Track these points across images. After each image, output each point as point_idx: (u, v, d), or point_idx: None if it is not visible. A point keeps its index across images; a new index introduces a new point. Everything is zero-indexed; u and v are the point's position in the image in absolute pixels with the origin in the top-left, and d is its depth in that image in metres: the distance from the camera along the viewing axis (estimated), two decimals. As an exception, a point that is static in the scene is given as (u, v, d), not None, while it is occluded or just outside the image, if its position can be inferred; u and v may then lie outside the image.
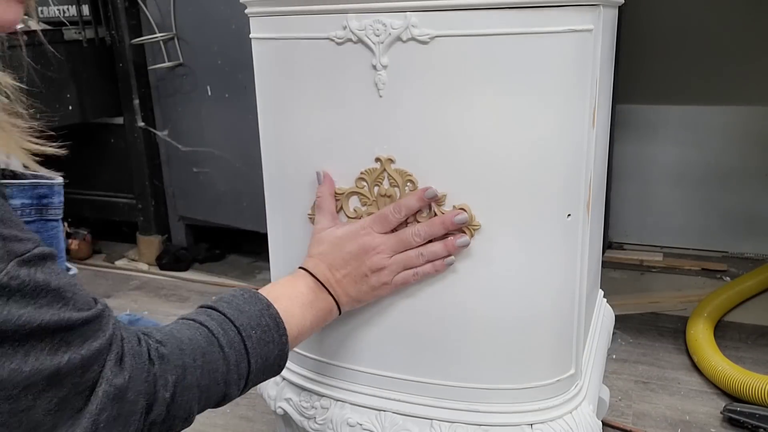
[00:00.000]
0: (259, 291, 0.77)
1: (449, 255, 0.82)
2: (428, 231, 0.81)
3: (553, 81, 0.77)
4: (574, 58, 0.77)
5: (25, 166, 0.63)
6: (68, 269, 0.66)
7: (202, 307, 0.73)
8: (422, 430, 0.88)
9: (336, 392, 0.93)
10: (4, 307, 0.47)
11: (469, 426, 0.86)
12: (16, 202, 0.60)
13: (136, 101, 2.40)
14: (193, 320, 0.69)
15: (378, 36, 0.77)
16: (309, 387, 0.95)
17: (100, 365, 0.55)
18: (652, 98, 2.36)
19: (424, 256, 0.82)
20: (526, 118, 0.77)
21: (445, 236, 0.82)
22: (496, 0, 0.72)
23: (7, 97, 0.62)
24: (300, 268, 0.84)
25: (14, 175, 0.63)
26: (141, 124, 2.43)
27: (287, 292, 0.79)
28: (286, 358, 0.76)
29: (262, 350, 0.71)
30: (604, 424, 1.40)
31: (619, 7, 1.03)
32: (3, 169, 0.63)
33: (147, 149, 2.48)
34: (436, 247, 0.81)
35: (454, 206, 0.81)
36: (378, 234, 0.82)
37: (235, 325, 0.70)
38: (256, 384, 0.74)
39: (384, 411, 0.90)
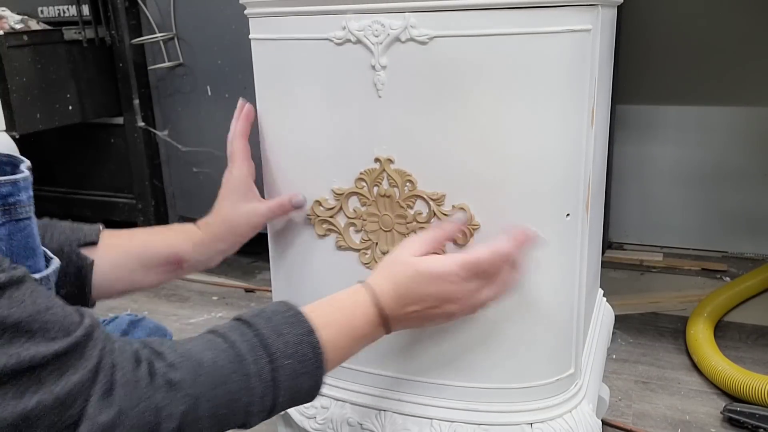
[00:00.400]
0: (310, 309, 0.68)
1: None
2: (508, 262, 0.76)
3: (551, 81, 0.77)
4: (573, 58, 0.78)
5: None
6: (48, 262, 0.61)
7: (238, 319, 0.66)
8: (422, 429, 0.88)
9: (336, 392, 0.93)
10: None
11: (469, 425, 0.87)
12: None
13: (136, 101, 2.40)
14: (223, 337, 0.62)
15: (377, 36, 0.77)
16: (308, 387, 0.95)
17: (83, 400, 0.49)
18: (652, 98, 2.36)
19: (500, 292, 0.77)
20: (525, 118, 0.77)
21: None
22: (494, 0, 0.73)
23: None
24: (366, 287, 0.74)
25: None
26: (141, 124, 2.43)
27: (340, 321, 0.70)
28: (319, 390, 0.68)
29: (293, 383, 0.64)
30: (604, 423, 1.40)
31: (619, 7, 1.03)
32: None
33: (147, 149, 2.48)
34: (513, 276, 0.77)
35: (453, 206, 0.81)
36: (463, 281, 0.74)
37: (268, 352, 0.62)
38: (281, 412, 0.67)
39: (384, 411, 0.90)
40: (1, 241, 0.54)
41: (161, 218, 2.58)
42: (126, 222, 2.68)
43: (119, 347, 0.54)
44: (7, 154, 0.59)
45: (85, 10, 2.31)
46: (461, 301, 0.74)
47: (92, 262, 0.79)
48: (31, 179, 0.59)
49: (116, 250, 0.82)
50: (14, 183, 0.56)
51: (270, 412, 0.64)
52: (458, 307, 0.75)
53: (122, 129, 2.49)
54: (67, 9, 2.34)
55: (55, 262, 0.62)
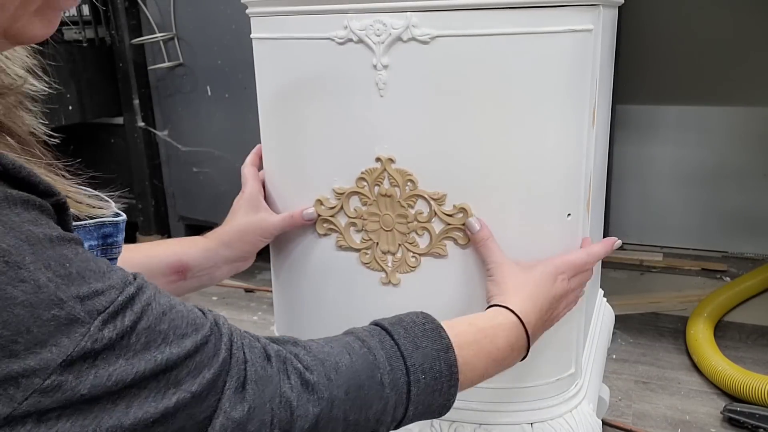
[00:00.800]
0: (449, 326, 0.67)
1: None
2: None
3: (553, 81, 0.77)
4: (574, 58, 0.78)
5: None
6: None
7: (377, 324, 0.65)
8: (422, 429, 0.88)
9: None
10: (91, 371, 0.42)
11: (470, 425, 0.87)
12: (87, 245, 0.55)
13: (136, 101, 2.40)
14: (362, 342, 0.61)
15: (379, 36, 0.77)
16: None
17: (217, 395, 0.49)
18: (652, 98, 2.36)
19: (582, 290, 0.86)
20: (526, 118, 0.77)
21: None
22: (496, 0, 0.73)
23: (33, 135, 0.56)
24: (507, 309, 0.74)
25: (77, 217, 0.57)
26: (141, 124, 2.43)
27: (480, 341, 0.69)
28: (449, 409, 0.67)
29: (425, 399, 0.63)
30: (604, 423, 1.40)
31: (619, 7, 1.03)
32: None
33: (147, 149, 2.48)
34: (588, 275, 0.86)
35: (454, 206, 0.81)
36: (569, 280, 0.81)
37: (405, 364, 0.61)
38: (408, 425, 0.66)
39: (384, 411, 0.90)
40: None
41: (161, 218, 2.58)
42: (126, 222, 2.68)
43: (248, 342, 0.54)
44: (100, 195, 0.61)
45: (85, 10, 2.31)
46: (568, 298, 0.81)
47: None
48: (125, 221, 0.60)
49: (120, 264, 0.83)
50: (115, 225, 0.58)
51: (399, 424, 0.63)
52: (566, 304, 0.82)
53: (122, 129, 2.49)
54: (67, 9, 2.34)
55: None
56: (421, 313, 0.68)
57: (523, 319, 0.73)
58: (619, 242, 0.87)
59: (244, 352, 0.52)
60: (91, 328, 0.43)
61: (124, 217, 0.60)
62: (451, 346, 0.65)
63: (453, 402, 0.66)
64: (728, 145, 2.31)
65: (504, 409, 0.87)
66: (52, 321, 0.42)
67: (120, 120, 2.49)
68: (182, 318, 0.49)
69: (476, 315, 0.73)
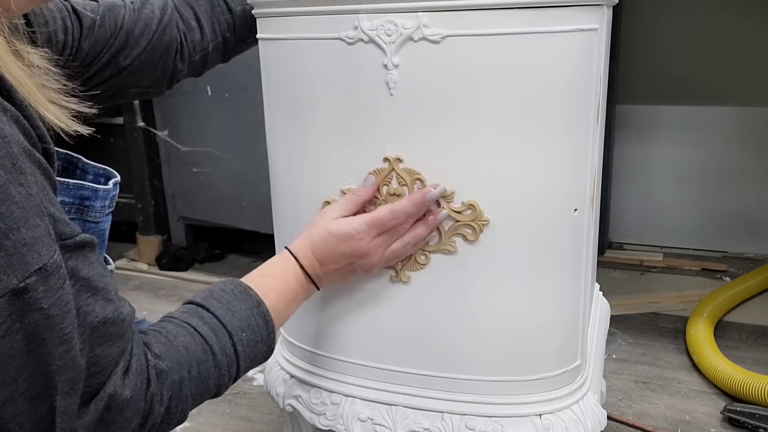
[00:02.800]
0: (248, 282, 0.76)
1: (431, 233, 0.84)
2: (412, 218, 0.82)
3: (560, 79, 0.78)
4: (581, 57, 0.79)
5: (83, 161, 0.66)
6: (107, 263, 0.68)
7: (191, 303, 0.72)
8: (433, 423, 0.89)
9: (346, 388, 0.94)
10: (57, 288, 0.50)
11: (480, 418, 0.87)
12: (60, 198, 0.60)
13: (136, 101, 2.40)
14: (186, 324, 0.68)
15: (389, 36, 0.77)
16: (319, 383, 0.96)
17: (109, 372, 0.56)
18: (652, 98, 2.37)
19: (410, 243, 0.83)
20: (534, 116, 0.78)
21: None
22: (506, 0, 0.73)
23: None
24: (290, 253, 0.82)
25: (75, 165, 0.66)
26: (141, 124, 2.43)
27: (277, 288, 0.78)
28: (273, 351, 0.77)
29: (251, 351, 0.72)
30: (608, 417, 1.41)
31: (619, 7, 1.04)
32: (69, 155, 0.67)
33: (147, 149, 2.48)
34: (419, 231, 0.83)
35: (462, 203, 0.82)
36: (372, 238, 0.82)
37: (227, 330, 0.70)
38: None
39: (395, 405, 0.91)
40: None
41: (161, 218, 2.58)
42: (126, 222, 2.68)
43: (137, 338, 0.61)
44: (105, 168, 0.70)
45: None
46: (373, 255, 0.82)
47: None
48: (113, 193, 0.68)
49: None
50: (95, 191, 0.65)
51: (235, 378, 0.72)
52: (374, 261, 0.83)
53: (122, 129, 2.49)
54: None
55: (111, 266, 0.70)
56: (228, 280, 0.76)
57: (301, 259, 0.81)
58: (433, 192, 0.81)
59: (135, 346, 0.59)
60: (59, 248, 0.50)
61: (107, 187, 0.66)
62: (260, 300, 0.74)
63: (275, 344, 0.76)
64: (728, 145, 2.32)
65: (513, 401, 0.87)
66: (36, 228, 0.49)
67: (120, 120, 2.49)
68: (113, 287, 0.56)
69: (269, 260, 0.83)
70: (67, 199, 0.63)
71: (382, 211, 0.81)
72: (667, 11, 2.29)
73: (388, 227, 0.82)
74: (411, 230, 0.83)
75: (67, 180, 0.63)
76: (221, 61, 1.01)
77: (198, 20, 0.94)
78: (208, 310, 0.70)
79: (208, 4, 0.95)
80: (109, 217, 0.68)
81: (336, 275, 0.84)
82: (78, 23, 0.82)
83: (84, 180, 0.68)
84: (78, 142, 0.63)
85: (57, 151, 0.62)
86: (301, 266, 0.81)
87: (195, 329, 0.68)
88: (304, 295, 0.82)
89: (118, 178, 0.69)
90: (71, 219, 0.61)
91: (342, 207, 0.84)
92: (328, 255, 0.82)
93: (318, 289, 0.84)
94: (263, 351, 0.74)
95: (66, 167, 0.70)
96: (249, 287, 0.75)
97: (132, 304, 0.62)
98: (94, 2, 0.86)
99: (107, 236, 0.70)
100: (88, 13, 0.83)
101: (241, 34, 0.98)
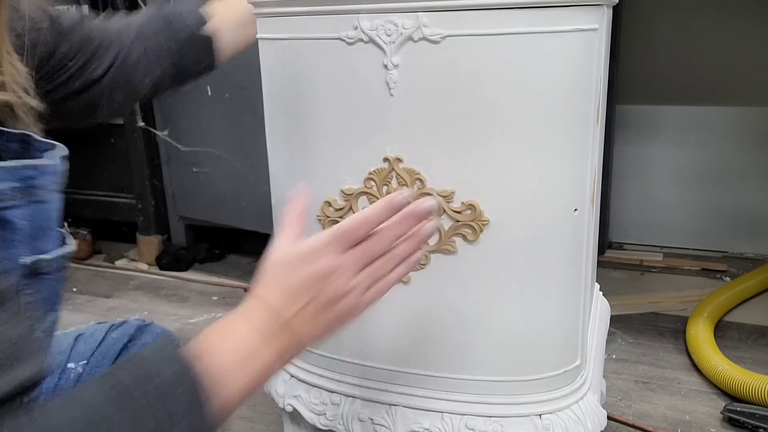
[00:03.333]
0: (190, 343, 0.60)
1: (419, 249, 0.68)
2: (395, 233, 0.66)
3: (560, 79, 0.78)
4: (581, 57, 0.79)
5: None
6: (64, 241, 0.60)
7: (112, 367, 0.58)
8: (433, 423, 0.89)
9: (346, 388, 0.94)
10: None
11: (480, 418, 0.87)
12: (5, 185, 0.54)
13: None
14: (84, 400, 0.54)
15: (389, 36, 0.77)
16: (319, 383, 0.96)
17: None
18: (652, 98, 2.37)
19: (393, 260, 0.67)
20: (534, 116, 0.78)
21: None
22: (506, 0, 0.73)
23: (26, 92, 0.59)
24: (245, 303, 0.65)
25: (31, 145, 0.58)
26: (141, 124, 2.43)
27: (226, 342, 0.61)
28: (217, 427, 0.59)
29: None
30: (608, 417, 1.41)
31: (619, 7, 1.04)
32: (25, 134, 0.58)
33: (147, 149, 2.48)
34: (404, 248, 0.67)
35: (462, 203, 0.82)
36: (338, 254, 0.64)
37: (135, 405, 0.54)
38: None
39: (395, 405, 0.91)
40: (24, 221, 0.55)
41: (161, 218, 2.58)
42: (126, 222, 2.68)
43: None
44: (51, 142, 0.59)
45: (85, 10, 2.31)
46: (345, 270, 0.64)
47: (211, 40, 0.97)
48: (60, 166, 0.58)
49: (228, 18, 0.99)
50: (38, 168, 0.56)
51: None
52: (348, 278, 0.64)
53: (122, 129, 2.49)
54: (67, 9, 2.34)
55: (69, 247, 0.60)
56: (160, 342, 0.60)
57: (255, 305, 0.64)
58: (404, 194, 0.65)
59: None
60: None
61: (51, 162, 0.58)
62: (192, 363, 0.58)
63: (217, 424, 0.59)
64: (728, 145, 2.32)
65: (513, 401, 0.87)
66: None
67: (120, 120, 2.49)
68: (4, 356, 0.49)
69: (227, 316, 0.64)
70: (14, 184, 0.54)
71: (345, 221, 0.65)
72: (667, 11, 2.28)
73: (357, 239, 0.65)
74: (399, 249, 0.67)
75: (3, 164, 0.54)
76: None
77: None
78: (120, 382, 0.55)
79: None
80: (59, 196, 0.59)
81: (310, 316, 0.64)
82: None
83: (35, 158, 0.59)
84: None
85: (12, 132, 0.57)
86: (259, 309, 0.63)
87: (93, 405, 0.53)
88: (271, 349, 0.62)
89: (66, 152, 0.59)
90: (19, 204, 0.54)
91: (292, 228, 0.68)
92: (291, 286, 0.64)
93: (292, 338, 0.63)
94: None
95: (25, 148, 0.60)
96: (181, 350, 0.58)
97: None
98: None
99: (57, 216, 0.59)
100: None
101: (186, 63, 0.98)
